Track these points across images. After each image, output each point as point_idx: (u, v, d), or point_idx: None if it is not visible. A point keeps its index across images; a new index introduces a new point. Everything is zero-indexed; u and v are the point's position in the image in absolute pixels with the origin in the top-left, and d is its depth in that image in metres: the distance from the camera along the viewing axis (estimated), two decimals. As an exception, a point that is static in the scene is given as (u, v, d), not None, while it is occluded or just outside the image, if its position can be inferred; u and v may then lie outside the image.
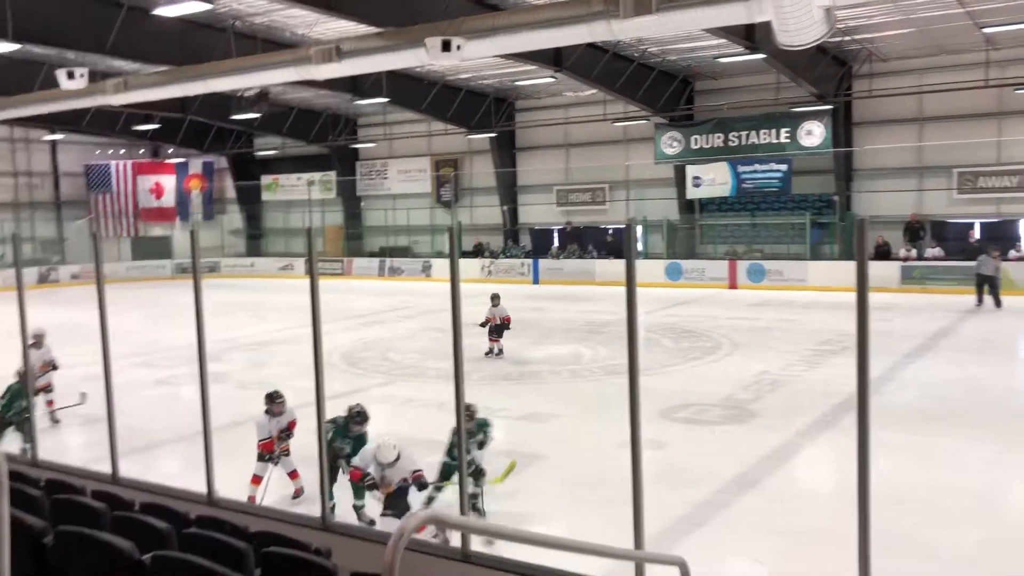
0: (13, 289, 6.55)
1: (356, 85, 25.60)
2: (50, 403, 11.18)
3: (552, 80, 25.70)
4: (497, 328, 15.11)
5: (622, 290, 3.90)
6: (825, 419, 10.42)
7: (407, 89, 26.80)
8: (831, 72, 23.51)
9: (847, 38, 21.65)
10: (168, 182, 37.47)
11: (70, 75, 16.43)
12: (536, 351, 15.88)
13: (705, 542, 6.90)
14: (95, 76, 18.43)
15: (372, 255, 34.35)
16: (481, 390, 12.08)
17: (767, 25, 12.03)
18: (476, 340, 14.91)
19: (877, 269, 22.13)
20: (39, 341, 11.24)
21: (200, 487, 5.39)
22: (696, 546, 6.57)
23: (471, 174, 33.05)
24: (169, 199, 37.44)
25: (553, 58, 21.43)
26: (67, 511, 4.09)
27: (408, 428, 10.63)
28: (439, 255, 32.08)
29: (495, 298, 15.36)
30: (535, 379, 13.57)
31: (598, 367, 14.25)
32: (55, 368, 11.49)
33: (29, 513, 3.61)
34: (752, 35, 18.80)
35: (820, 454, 9.51)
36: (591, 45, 20.79)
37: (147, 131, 33.41)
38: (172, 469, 8.45)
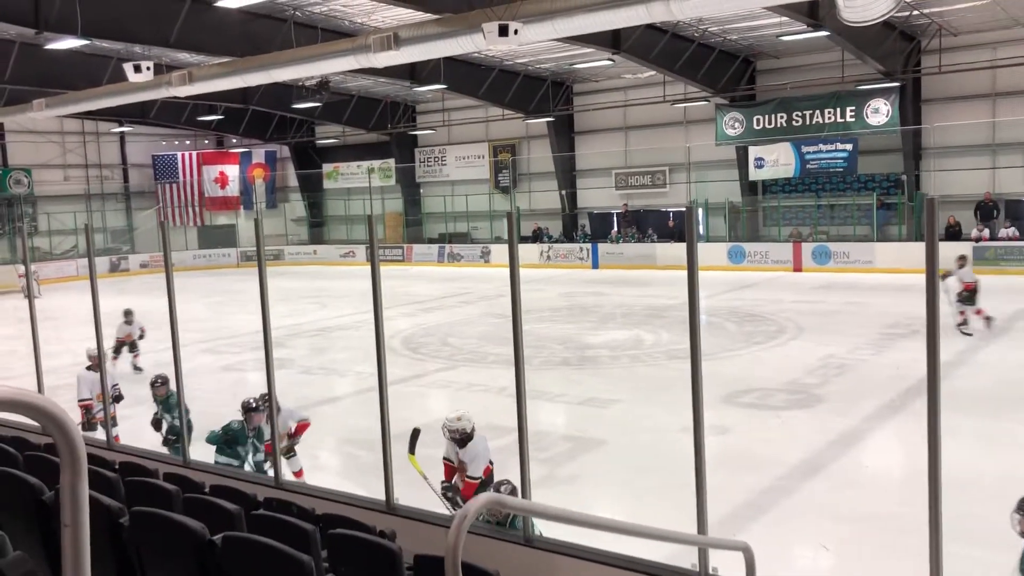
0: (86, 278, 6.75)
1: (414, 72, 25.71)
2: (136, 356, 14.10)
3: (610, 63, 25.48)
4: None
5: (682, 274, 3.86)
6: (894, 404, 10.19)
7: (464, 75, 26.82)
8: (898, 48, 22.82)
9: (915, 12, 20.97)
10: (232, 171, 38.21)
11: (137, 69, 16.86)
12: (596, 336, 15.83)
13: (769, 528, 6.82)
14: (160, 69, 18.86)
15: (431, 241, 34.57)
16: (541, 375, 12.12)
17: (831, 1, 11.74)
18: (535, 326, 14.93)
19: (948, 250, 21.44)
20: (129, 319, 14.19)
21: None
22: (760, 532, 6.49)
23: (529, 159, 32.99)
24: (233, 188, 38.18)
25: (611, 40, 21.21)
26: (141, 493, 4.21)
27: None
28: (498, 241, 32.12)
29: None
30: (595, 364, 13.54)
31: (659, 352, 14.14)
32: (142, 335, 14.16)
33: (105, 495, 3.73)
34: (815, 12, 18.35)
35: (888, 440, 9.31)
36: (650, 26, 20.51)
37: (211, 122, 34.09)
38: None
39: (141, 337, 14.07)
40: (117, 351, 13.83)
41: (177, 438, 7.85)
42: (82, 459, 1.45)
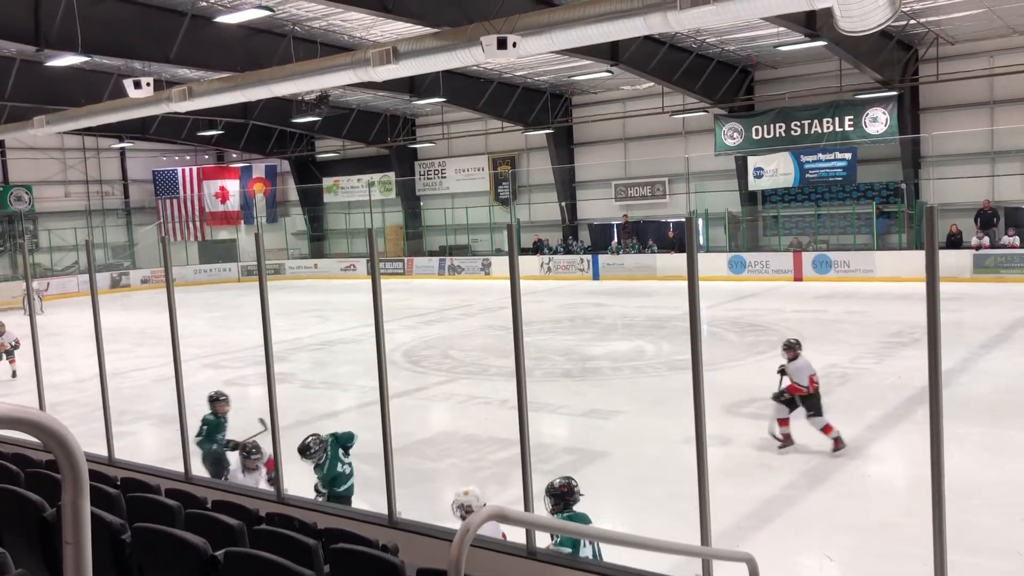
0: (87, 294, 6.76)
1: (413, 86, 25.81)
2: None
3: (609, 74, 25.57)
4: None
5: (683, 285, 3.86)
6: (896, 413, 10.17)
7: (463, 88, 26.92)
8: (896, 57, 22.91)
9: (912, 21, 21.05)
10: (232, 186, 38.28)
11: (137, 85, 16.90)
12: (597, 347, 15.82)
13: (773, 539, 6.80)
14: (160, 85, 18.92)
15: (432, 254, 34.61)
16: (543, 387, 12.10)
17: (828, 11, 11.78)
18: (536, 337, 14.92)
19: (948, 258, 21.54)
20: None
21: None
22: (764, 542, 6.47)
23: (528, 171, 33.06)
24: (234, 203, 38.25)
25: (610, 52, 21.29)
26: (143, 509, 4.21)
27: (471, 425, 10.70)
28: (498, 253, 32.16)
29: None
30: (596, 375, 13.52)
31: (661, 362, 14.13)
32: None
33: (107, 511, 3.72)
34: (813, 22, 18.41)
35: (891, 448, 9.29)
36: (648, 38, 20.58)
37: (211, 137, 34.18)
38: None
39: (16, 347, 15.71)
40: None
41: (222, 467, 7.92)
42: (83, 476, 1.45)
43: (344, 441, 7.13)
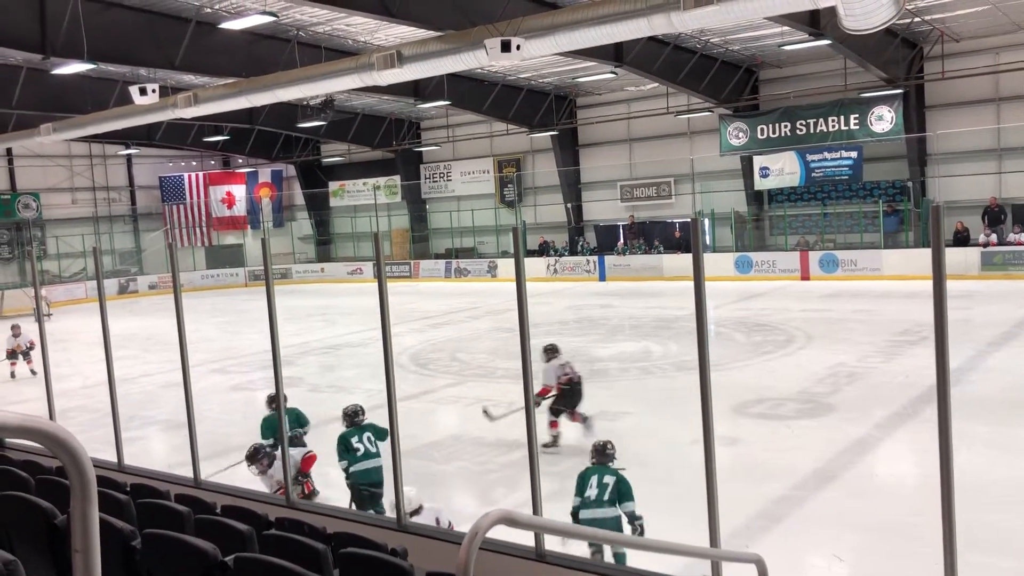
0: (95, 300, 6.78)
1: (418, 89, 25.83)
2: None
3: (613, 75, 25.56)
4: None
5: (689, 285, 3.86)
6: (905, 411, 10.14)
7: (468, 91, 26.94)
8: (901, 55, 22.86)
9: (917, 19, 21.01)
10: (239, 191, 38.39)
11: (142, 91, 16.95)
12: (604, 349, 15.81)
13: (782, 539, 6.78)
14: (166, 91, 19.00)
15: (438, 257, 34.62)
16: (550, 389, 12.07)
17: (832, 10, 11.76)
18: (543, 339, 14.89)
19: (956, 256, 21.46)
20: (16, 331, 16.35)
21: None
22: (773, 543, 6.46)
23: (534, 173, 33.06)
24: (240, 208, 38.35)
25: (614, 53, 21.28)
26: (152, 514, 4.22)
27: (479, 428, 10.70)
28: (504, 255, 32.17)
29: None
30: (604, 377, 13.50)
31: (668, 363, 14.11)
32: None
33: (117, 517, 3.73)
34: (817, 21, 18.39)
35: (900, 447, 9.27)
36: (652, 38, 20.59)
37: (217, 142, 34.28)
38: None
39: (31, 348, 16.15)
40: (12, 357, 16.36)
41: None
42: (92, 484, 1.45)
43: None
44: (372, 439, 7.69)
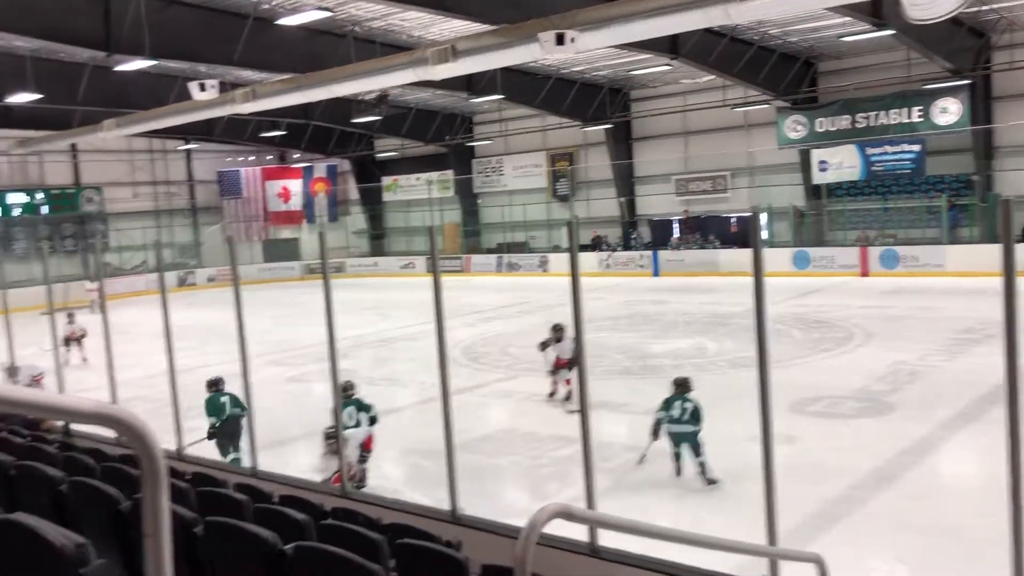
0: (156, 292, 6.93)
1: (471, 84, 25.89)
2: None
3: (668, 68, 25.29)
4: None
5: (746, 281, 3.80)
6: (969, 411, 9.88)
7: (521, 85, 26.91)
8: (967, 45, 22.22)
9: (984, 7, 20.40)
10: (295, 186, 38.91)
11: (202, 87, 17.25)
12: (658, 345, 15.69)
13: (842, 539, 6.66)
14: (225, 87, 19.29)
15: (490, 251, 34.70)
16: (602, 385, 12.03)
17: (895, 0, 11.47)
18: (596, 335, 14.85)
19: None
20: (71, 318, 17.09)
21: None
22: (832, 543, 6.34)
23: (587, 167, 32.92)
24: (296, 202, 38.87)
25: (669, 45, 21.07)
26: (212, 503, 4.29)
27: (531, 423, 10.71)
28: (556, 250, 32.10)
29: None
30: (657, 373, 13.38)
31: (723, 360, 13.94)
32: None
33: (179, 504, 3.81)
34: (879, 11, 17.96)
35: (964, 448, 9.03)
36: (708, 30, 20.31)
37: (274, 137, 34.78)
38: (305, 463, 8.75)
39: (84, 336, 16.75)
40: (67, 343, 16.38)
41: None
42: (162, 471, 1.48)
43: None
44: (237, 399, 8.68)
